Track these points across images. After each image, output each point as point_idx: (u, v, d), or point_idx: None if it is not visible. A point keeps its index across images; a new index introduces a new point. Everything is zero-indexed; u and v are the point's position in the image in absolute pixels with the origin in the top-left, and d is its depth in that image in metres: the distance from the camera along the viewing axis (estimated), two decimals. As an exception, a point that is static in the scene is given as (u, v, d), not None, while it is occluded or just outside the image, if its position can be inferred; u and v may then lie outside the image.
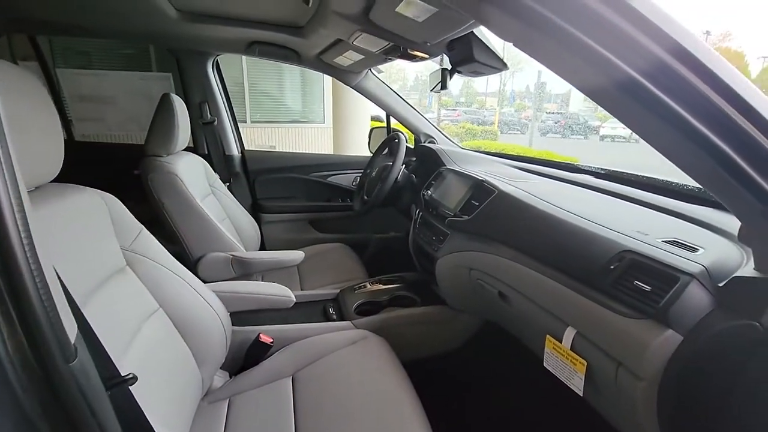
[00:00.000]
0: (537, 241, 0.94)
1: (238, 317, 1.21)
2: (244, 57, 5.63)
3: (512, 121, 21.30)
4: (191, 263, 1.36)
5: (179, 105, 1.37)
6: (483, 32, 1.05)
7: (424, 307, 1.34)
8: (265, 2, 1.25)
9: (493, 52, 1.06)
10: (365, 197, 1.75)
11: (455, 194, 1.30)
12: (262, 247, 2.03)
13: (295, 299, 1.10)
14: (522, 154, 1.78)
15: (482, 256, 1.09)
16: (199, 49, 1.75)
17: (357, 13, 1.03)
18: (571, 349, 0.80)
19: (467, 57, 1.07)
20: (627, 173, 1.29)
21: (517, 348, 1.18)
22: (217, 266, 1.35)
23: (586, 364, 0.77)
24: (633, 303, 0.69)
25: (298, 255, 1.43)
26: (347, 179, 2.13)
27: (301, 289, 1.56)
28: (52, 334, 0.37)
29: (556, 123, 19.08)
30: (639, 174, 1.26)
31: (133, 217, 0.89)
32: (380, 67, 1.76)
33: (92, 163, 1.72)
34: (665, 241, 0.76)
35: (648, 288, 0.67)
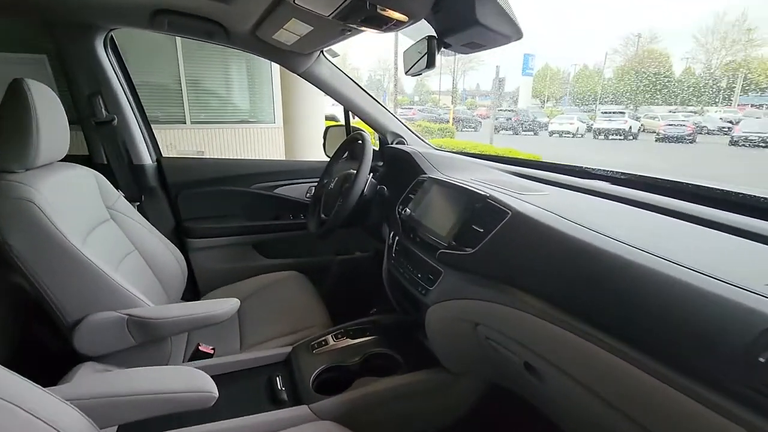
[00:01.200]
0: (587, 294, 0.61)
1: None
2: (179, 48, 5.03)
3: (466, 118, 21.57)
4: (65, 330, 0.92)
5: (41, 96, 0.92)
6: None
7: (410, 373, 0.98)
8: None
9: (505, 13, 0.72)
10: (322, 215, 1.36)
11: (446, 215, 0.96)
12: (191, 283, 1.58)
13: (216, 395, 0.71)
14: (508, 156, 1.48)
15: (494, 308, 0.75)
16: (82, 21, 1.27)
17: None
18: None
19: (466, 19, 0.72)
20: (662, 179, 1.00)
21: (543, 423, 0.86)
22: (104, 333, 0.91)
23: None
24: None
25: (229, 306, 1.01)
26: (299, 190, 1.73)
27: (241, 348, 1.15)
28: None
29: (508, 120, 19.47)
30: (679, 180, 0.98)
31: None
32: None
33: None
34: None
35: None
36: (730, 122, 15.69)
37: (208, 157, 5.04)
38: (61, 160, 1.06)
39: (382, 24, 0.84)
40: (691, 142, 13.87)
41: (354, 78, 1.54)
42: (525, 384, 0.78)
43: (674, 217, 0.76)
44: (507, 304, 0.72)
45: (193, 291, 1.57)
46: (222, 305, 1.01)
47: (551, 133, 17.06)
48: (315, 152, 3.79)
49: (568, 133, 16.65)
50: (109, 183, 1.22)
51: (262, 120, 5.70)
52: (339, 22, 0.91)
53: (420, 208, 1.07)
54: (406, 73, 0.98)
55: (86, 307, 0.91)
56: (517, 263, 0.74)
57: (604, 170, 1.17)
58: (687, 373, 0.47)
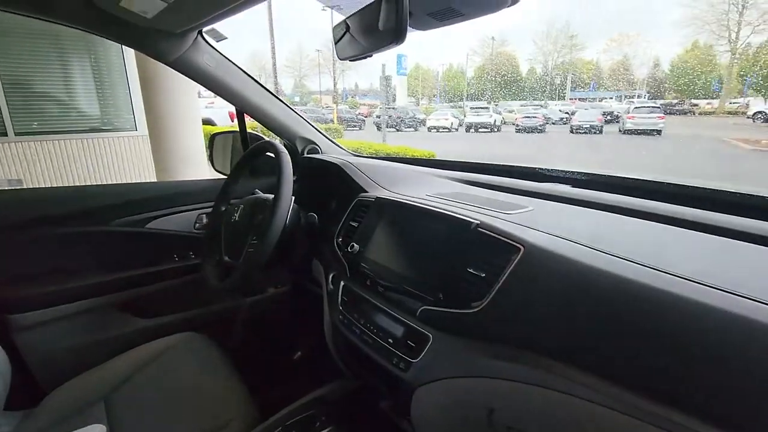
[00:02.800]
0: (673, 367, 0.42)
1: None
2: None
3: (349, 117, 21.70)
4: None
5: None
6: None
7: None
8: None
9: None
10: (227, 258, 0.99)
11: (417, 251, 0.70)
12: (25, 380, 1.05)
13: None
14: (446, 160, 1.30)
15: (522, 390, 0.53)
16: None
17: None
18: None
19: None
20: (637, 180, 0.90)
21: None
22: None
23: None
24: None
25: None
26: (185, 221, 1.29)
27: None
28: None
29: (390, 117, 20.08)
30: (654, 180, 0.88)
31: None
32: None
33: None
34: None
35: None
36: (567, 113, 18.72)
37: (34, 187, 3.95)
38: None
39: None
40: (541, 132, 16.12)
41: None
42: None
43: (688, 228, 0.64)
44: (546, 385, 0.50)
45: (28, 394, 1.04)
46: None
47: (430, 129, 18.10)
48: (196, 166, 3.17)
49: (445, 128, 17.87)
50: None
51: (118, 127, 4.67)
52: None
53: (373, 242, 0.79)
54: (341, 57, 0.69)
55: None
56: (549, 321, 0.52)
57: (560, 170, 1.05)
58: None
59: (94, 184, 3.74)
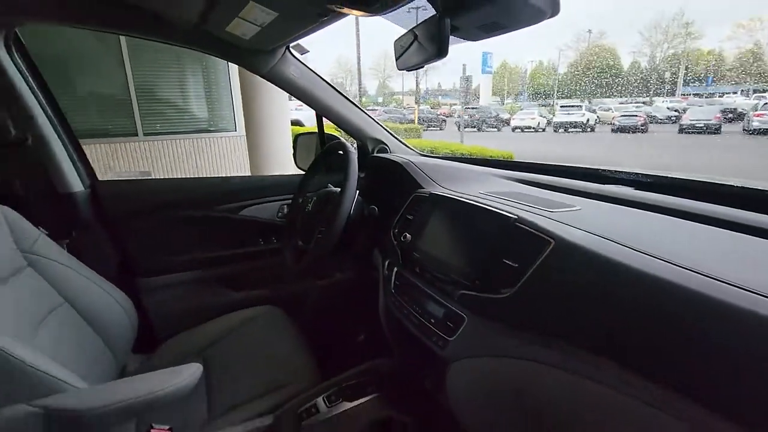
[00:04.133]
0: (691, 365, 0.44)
1: None
2: (126, 53, 4.61)
3: (430, 117, 21.70)
4: None
5: None
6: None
7: None
8: None
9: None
10: (300, 242, 1.14)
11: (462, 243, 0.77)
12: (146, 330, 1.32)
13: None
14: (508, 160, 1.32)
15: (544, 372, 0.57)
16: None
17: None
18: None
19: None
20: (700, 181, 0.86)
21: None
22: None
23: None
24: None
25: (188, 376, 0.78)
26: (269, 210, 1.50)
27: (208, 418, 0.91)
28: None
29: (470, 117, 19.69)
30: (721, 182, 0.83)
31: None
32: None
33: None
34: None
35: None
36: (677, 111, 16.51)
37: (158, 177, 4.65)
38: None
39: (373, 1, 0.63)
40: (643, 132, 14.43)
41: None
42: None
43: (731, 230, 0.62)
44: (568, 369, 0.54)
45: (148, 340, 1.31)
46: (178, 377, 0.78)
47: (514, 129, 17.35)
48: (284, 162, 3.51)
49: (530, 128, 16.97)
50: (25, 220, 0.95)
51: (222, 128, 5.33)
52: (311, 5, 0.70)
53: (424, 233, 0.88)
54: (400, 68, 0.79)
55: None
56: (572, 311, 0.56)
57: (625, 172, 1.02)
58: None
59: (201, 176, 4.33)
